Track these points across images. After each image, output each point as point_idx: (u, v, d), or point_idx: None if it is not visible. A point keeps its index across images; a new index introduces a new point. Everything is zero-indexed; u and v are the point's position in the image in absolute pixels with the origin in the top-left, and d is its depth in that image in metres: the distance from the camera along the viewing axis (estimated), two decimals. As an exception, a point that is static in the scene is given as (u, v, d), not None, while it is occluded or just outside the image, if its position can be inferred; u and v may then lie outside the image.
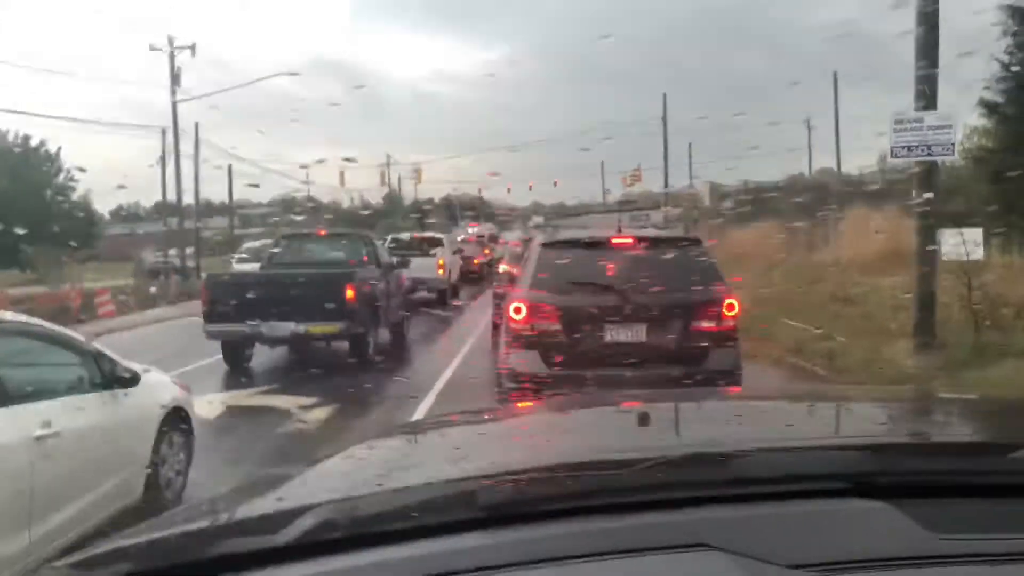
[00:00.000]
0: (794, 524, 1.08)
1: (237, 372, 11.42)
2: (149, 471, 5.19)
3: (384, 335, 13.40)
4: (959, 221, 12.14)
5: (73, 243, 29.98)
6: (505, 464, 1.30)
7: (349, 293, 11.14)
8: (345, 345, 12.05)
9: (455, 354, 12.36)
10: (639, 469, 1.15)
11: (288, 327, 11.03)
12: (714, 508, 1.11)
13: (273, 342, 11.66)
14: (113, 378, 4.95)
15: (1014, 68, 19.07)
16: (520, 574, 1.00)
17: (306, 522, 1.11)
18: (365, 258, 13.51)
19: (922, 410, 1.94)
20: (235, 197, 44.50)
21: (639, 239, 7.30)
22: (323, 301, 11.02)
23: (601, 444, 1.53)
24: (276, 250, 14.35)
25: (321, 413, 8.60)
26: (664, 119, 42.29)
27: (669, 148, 43.07)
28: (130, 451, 5.08)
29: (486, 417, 2.17)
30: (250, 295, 11.12)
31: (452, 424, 2.00)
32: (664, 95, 42.67)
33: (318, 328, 11.20)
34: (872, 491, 1.12)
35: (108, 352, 5.14)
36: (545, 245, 7.44)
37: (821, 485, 1.14)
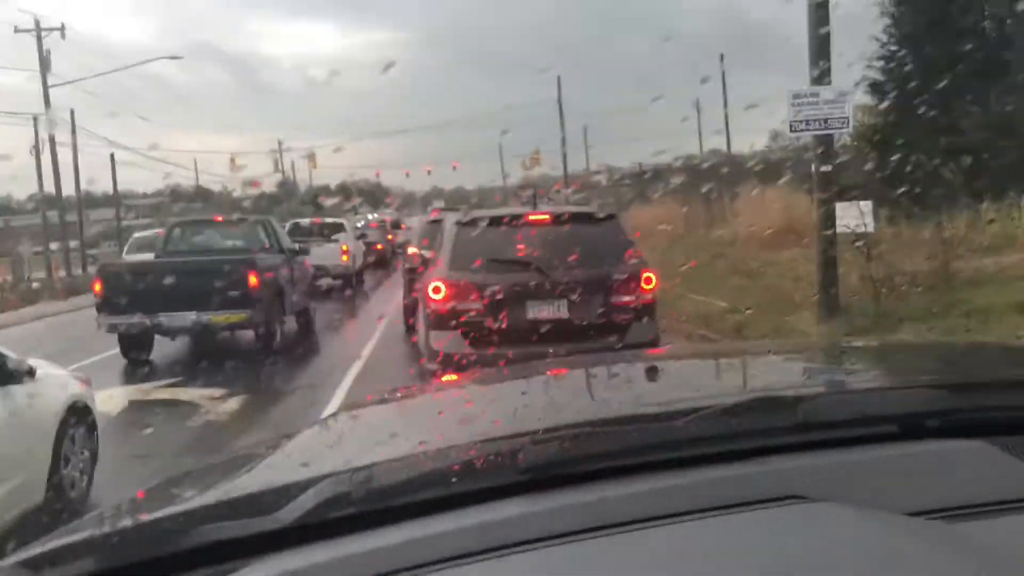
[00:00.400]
0: (889, 469, 0.97)
1: (137, 366, 10.75)
2: (50, 471, 4.80)
3: (291, 323, 12.97)
4: (849, 195, 12.67)
5: None
6: (544, 420, 1.13)
7: (253, 280, 10.68)
8: (250, 334, 11.58)
9: (366, 340, 12.06)
10: (703, 417, 1.01)
11: (189, 317, 10.50)
12: (793, 457, 0.99)
13: (174, 333, 11.08)
14: (3, 373, 4.55)
15: (892, 48, 20.07)
16: (581, 546, 0.84)
17: (311, 498, 0.93)
18: (267, 244, 13.02)
19: (969, 353, 1.86)
20: (119, 187, 42.25)
21: (556, 215, 7.25)
22: (226, 289, 10.50)
23: (639, 396, 1.38)
24: (170, 237, 13.64)
25: (232, 405, 8.20)
26: (559, 102, 42.73)
27: (568, 131, 43.62)
28: (27, 451, 4.67)
29: (471, 382, 1.99)
30: (147, 284, 10.50)
31: (437, 390, 1.80)
32: (559, 78, 43.07)
33: (221, 317, 10.70)
34: (957, 431, 1.02)
35: (-5, 346, 4.73)
36: (461, 223, 7.29)
37: (900, 427, 1.04)
